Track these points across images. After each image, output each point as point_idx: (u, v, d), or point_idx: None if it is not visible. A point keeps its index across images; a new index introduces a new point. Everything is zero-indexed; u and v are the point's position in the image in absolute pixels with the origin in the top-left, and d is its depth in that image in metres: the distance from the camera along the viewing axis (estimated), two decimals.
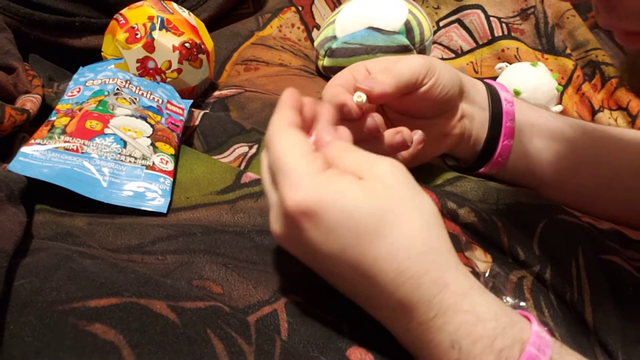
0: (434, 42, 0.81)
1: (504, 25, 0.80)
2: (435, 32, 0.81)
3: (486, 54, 0.79)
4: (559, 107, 0.70)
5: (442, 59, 0.79)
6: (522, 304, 0.37)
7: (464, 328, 0.27)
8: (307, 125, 0.34)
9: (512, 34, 0.79)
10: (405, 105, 0.42)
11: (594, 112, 0.73)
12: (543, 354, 0.27)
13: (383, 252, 0.27)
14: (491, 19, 0.80)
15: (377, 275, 0.28)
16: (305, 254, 0.30)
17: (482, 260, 0.38)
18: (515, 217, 0.41)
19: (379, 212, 0.28)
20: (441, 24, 0.82)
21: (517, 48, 0.78)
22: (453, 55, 0.80)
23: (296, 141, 0.30)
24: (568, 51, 0.77)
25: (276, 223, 0.30)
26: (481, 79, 0.47)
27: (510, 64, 0.74)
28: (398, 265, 0.27)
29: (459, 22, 0.81)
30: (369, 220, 0.27)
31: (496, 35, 0.79)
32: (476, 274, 0.38)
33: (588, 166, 0.44)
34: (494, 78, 0.74)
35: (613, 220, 0.46)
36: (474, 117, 0.44)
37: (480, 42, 0.80)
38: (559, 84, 0.72)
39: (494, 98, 0.45)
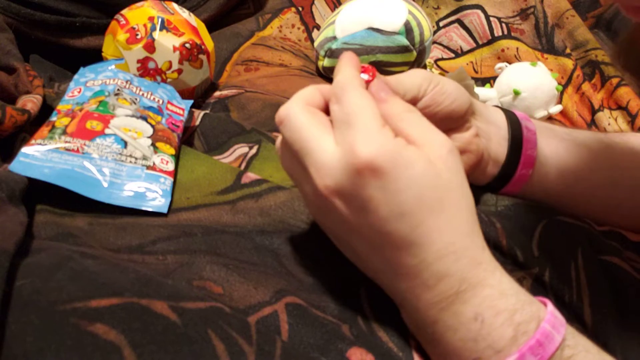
0: (434, 42, 0.81)
1: (503, 25, 0.80)
2: (435, 32, 0.81)
3: (486, 53, 0.79)
4: (559, 107, 0.70)
5: (442, 59, 0.80)
6: None
7: (488, 301, 0.29)
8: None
9: (512, 34, 0.80)
10: None
11: (593, 112, 0.73)
12: (557, 332, 0.29)
13: (438, 225, 0.29)
14: (491, 19, 0.80)
15: (424, 244, 0.29)
16: (352, 213, 0.30)
17: None
18: (514, 218, 0.41)
19: (440, 190, 0.30)
20: (441, 24, 0.82)
21: (517, 48, 0.78)
22: (453, 55, 0.80)
23: (371, 102, 0.31)
24: (568, 51, 0.77)
25: (330, 178, 0.30)
26: (501, 108, 0.43)
27: (510, 63, 0.74)
28: (447, 238, 0.29)
29: (459, 22, 0.82)
30: (432, 195, 0.29)
31: (496, 35, 0.79)
32: None
33: (604, 189, 0.43)
34: (494, 78, 0.75)
35: (617, 227, 0.45)
36: (490, 136, 0.41)
37: (480, 42, 0.80)
38: (559, 83, 0.72)
39: (513, 123, 0.42)
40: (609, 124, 0.71)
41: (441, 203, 0.30)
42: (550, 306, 0.30)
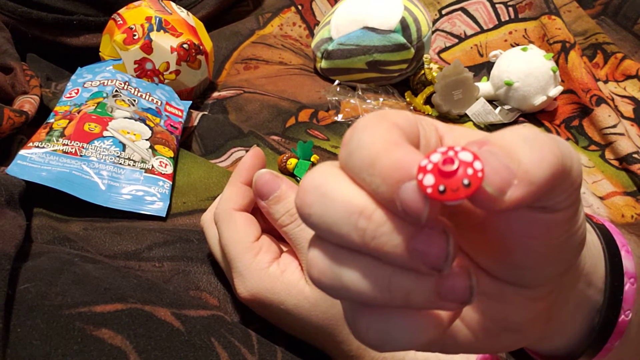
0: (437, 30, 0.79)
1: (510, 9, 0.79)
2: (437, 20, 0.80)
3: (492, 37, 0.77)
4: (559, 89, 0.66)
5: (445, 49, 0.78)
6: None
7: None
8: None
9: (520, 14, 0.78)
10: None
11: (595, 79, 0.71)
12: None
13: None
14: (497, 5, 0.79)
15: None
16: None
17: None
18: None
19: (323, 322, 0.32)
20: (444, 12, 0.81)
21: (525, 29, 0.77)
22: (456, 41, 0.78)
23: (240, 232, 0.32)
24: None
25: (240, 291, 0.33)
26: (595, 225, 0.26)
27: (518, 45, 0.71)
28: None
29: (463, 10, 0.80)
30: (318, 326, 0.32)
31: (503, 20, 0.78)
32: None
33: None
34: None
35: None
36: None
37: (485, 27, 0.79)
38: (555, 62, 0.69)
39: (614, 274, 0.25)
40: (614, 89, 0.71)
41: (332, 330, 0.32)
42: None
